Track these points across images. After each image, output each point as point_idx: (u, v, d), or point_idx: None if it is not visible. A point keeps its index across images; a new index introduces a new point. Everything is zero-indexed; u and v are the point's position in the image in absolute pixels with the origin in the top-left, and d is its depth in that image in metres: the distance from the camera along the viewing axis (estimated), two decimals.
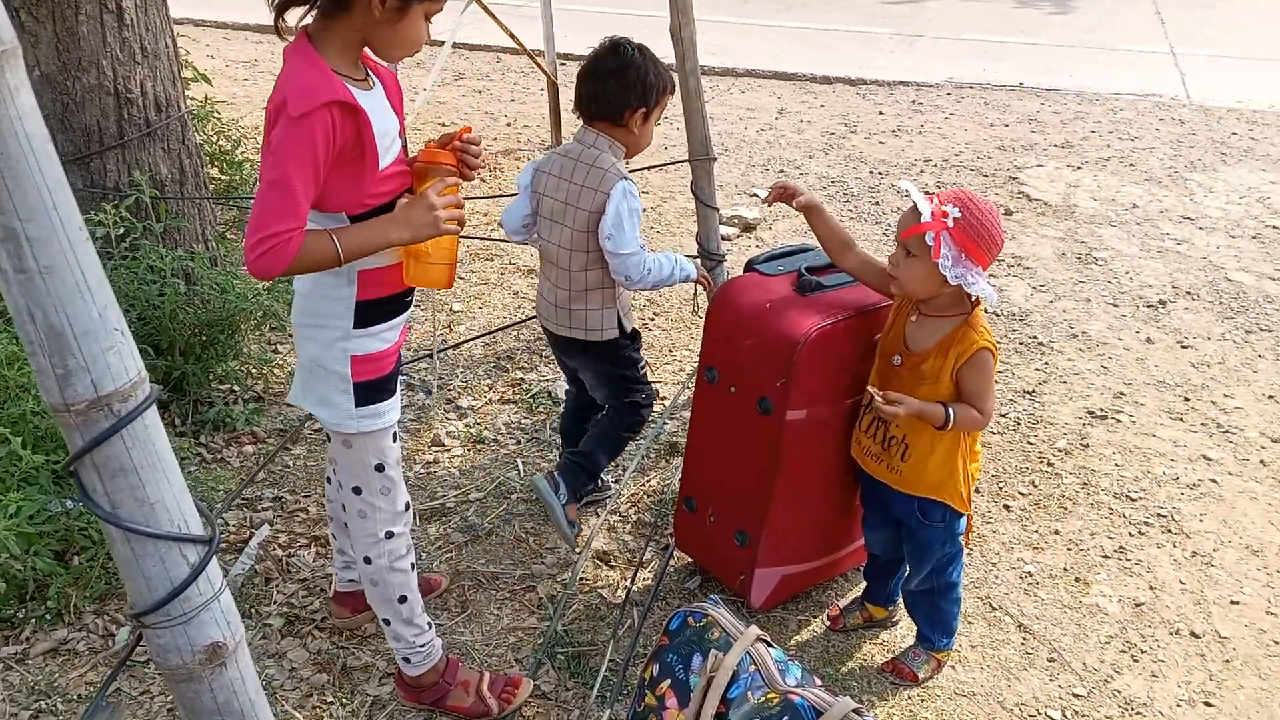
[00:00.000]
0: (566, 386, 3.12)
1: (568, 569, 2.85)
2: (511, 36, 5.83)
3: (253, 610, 2.69)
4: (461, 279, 4.59)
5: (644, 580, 2.82)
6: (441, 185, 1.98)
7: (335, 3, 1.83)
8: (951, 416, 2.17)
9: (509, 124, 6.72)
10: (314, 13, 1.87)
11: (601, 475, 3.03)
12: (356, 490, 2.17)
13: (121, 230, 3.28)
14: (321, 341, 2.04)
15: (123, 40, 3.40)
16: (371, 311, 2.03)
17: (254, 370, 3.66)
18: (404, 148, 2.05)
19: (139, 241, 3.36)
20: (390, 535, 2.21)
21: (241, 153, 4.95)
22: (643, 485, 3.21)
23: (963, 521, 2.38)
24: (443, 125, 6.70)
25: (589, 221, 2.54)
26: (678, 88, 2.77)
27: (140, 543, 1.05)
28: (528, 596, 2.78)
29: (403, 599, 2.26)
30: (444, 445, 3.40)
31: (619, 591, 2.78)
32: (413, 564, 2.29)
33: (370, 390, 2.07)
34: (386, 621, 2.29)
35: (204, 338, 3.42)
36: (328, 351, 2.04)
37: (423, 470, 3.27)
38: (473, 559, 2.90)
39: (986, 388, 2.20)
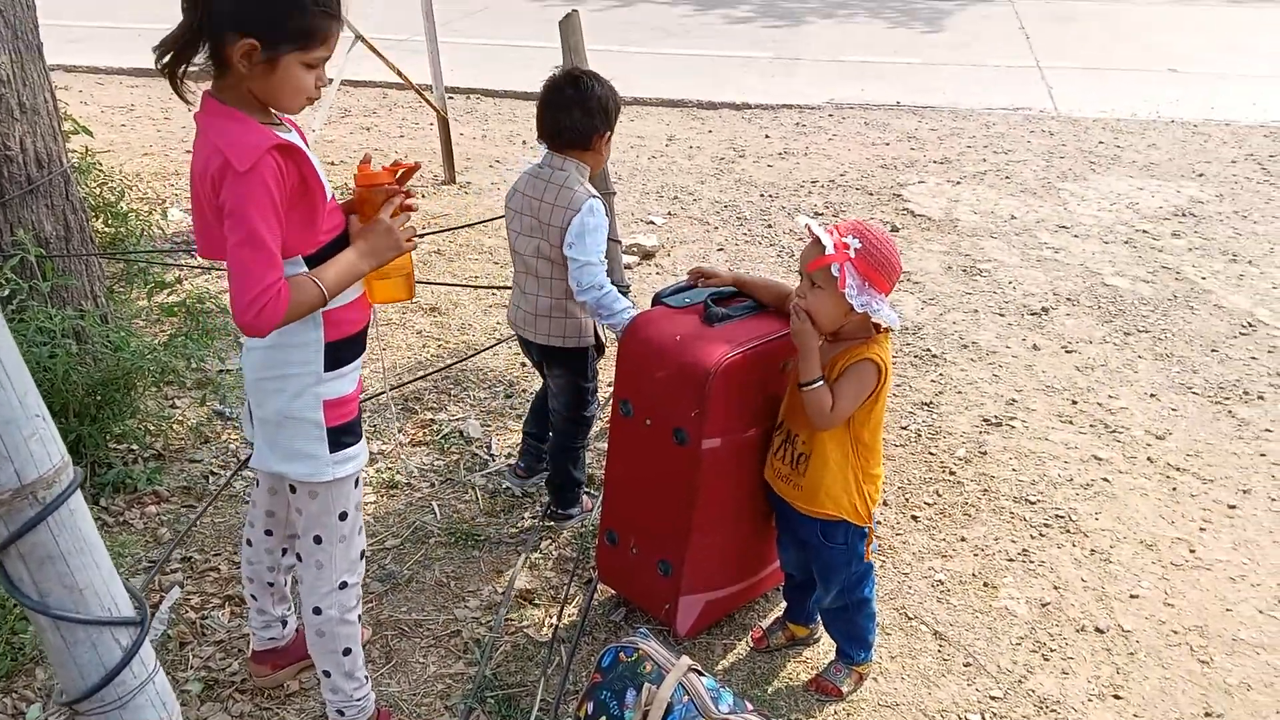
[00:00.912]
0: (531, 398, 3.47)
1: (492, 611, 2.84)
2: (398, 73, 5.81)
3: (170, 676, 2.60)
4: None
5: (569, 616, 2.83)
6: (391, 205, 2.00)
7: (215, 64, 1.82)
8: (815, 385, 2.23)
9: (399, 158, 6.66)
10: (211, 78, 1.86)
11: (584, 493, 3.26)
12: (317, 540, 2.14)
13: (7, 292, 3.16)
14: (290, 391, 2.01)
15: None
16: (339, 352, 2.03)
17: (152, 427, 3.56)
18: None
19: (26, 303, 3.24)
20: (344, 585, 2.19)
21: (126, 203, 4.81)
22: (562, 523, 3.22)
23: (863, 542, 2.45)
24: (331, 164, 6.62)
25: (561, 236, 2.75)
26: None
27: (70, 630, 1.03)
28: (453, 642, 2.75)
29: (347, 651, 2.24)
30: None
31: (545, 630, 2.78)
32: (359, 615, 2.27)
33: (343, 434, 2.06)
34: (327, 673, 2.26)
35: (99, 397, 3.31)
36: (297, 400, 2.01)
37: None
38: (394, 607, 2.86)
39: (850, 391, 2.25)
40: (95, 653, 1.05)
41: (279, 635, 2.56)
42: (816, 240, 2.21)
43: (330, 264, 1.94)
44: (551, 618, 2.82)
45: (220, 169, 1.77)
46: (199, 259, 5.13)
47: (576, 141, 2.77)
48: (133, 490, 3.30)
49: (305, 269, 1.92)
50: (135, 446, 3.47)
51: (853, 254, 2.14)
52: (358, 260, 1.97)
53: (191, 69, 1.86)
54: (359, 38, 5.37)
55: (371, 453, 3.54)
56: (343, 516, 2.14)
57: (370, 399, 3.81)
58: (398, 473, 3.45)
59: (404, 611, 2.84)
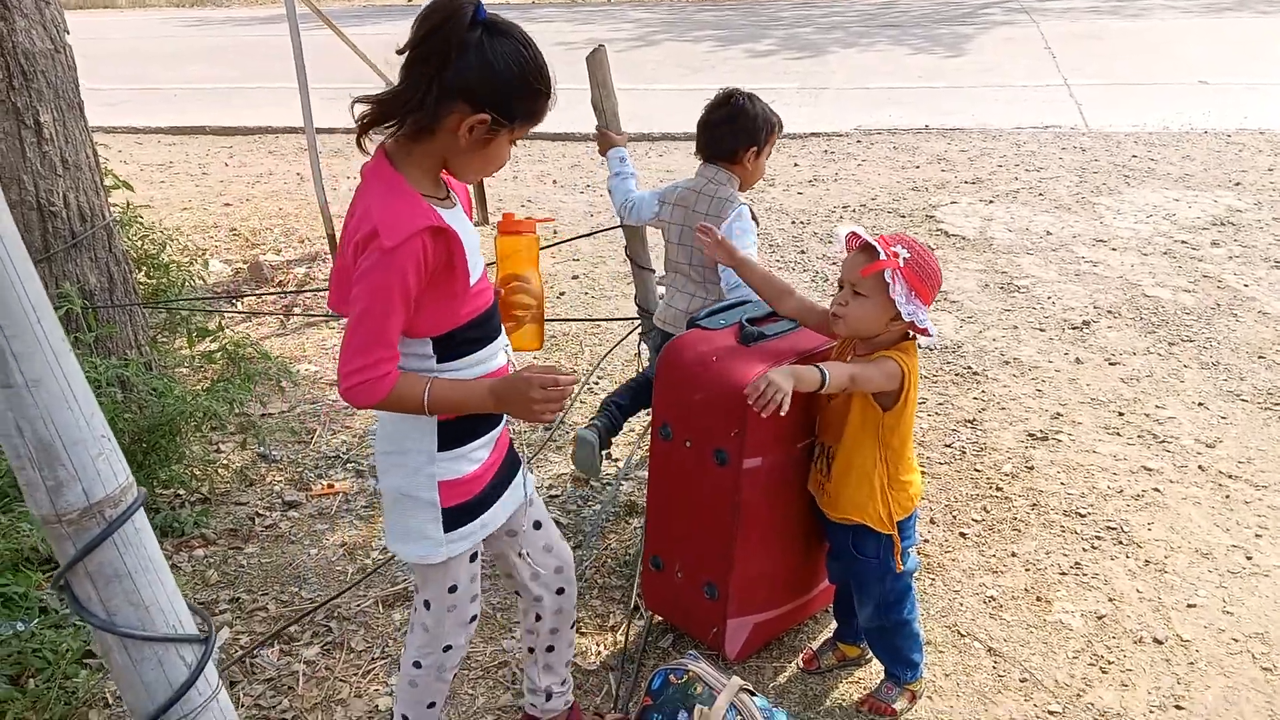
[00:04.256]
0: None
1: None
2: None
3: None
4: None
5: (617, 644, 2.82)
6: (549, 378, 1.86)
7: (421, 129, 1.79)
8: (826, 376, 2.15)
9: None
10: (397, 132, 1.83)
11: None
12: (427, 605, 2.10)
13: None
14: (408, 469, 1.96)
15: (43, 154, 3.38)
16: (457, 431, 1.95)
17: (198, 472, 3.61)
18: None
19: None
20: (448, 648, 2.15)
21: (167, 255, 4.92)
22: (605, 548, 3.22)
23: (892, 554, 2.42)
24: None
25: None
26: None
27: (138, 648, 1.05)
28: (501, 673, 2.75)
29: (431, 704, 2.22)
30: None
31: (593, 658, 2.77)
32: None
33: (459, 514, 1.99)
34: (405, 717, 2.24)
35: (145, 444, 3.37)
36: (413, 479, 1.96)
37: (380, 556, 3.24)
38: None
39: (876, 372, 2.22)
40: (161, 670, 1.06)
41: (537, 707, 2.47)
42: (864, 248, 2.21)
43: (457, 385, 1.88)
44: (599, 646, 2.81)
45: (367, 236, 1.74)
46: (238, 306, 5.23)
47: (721, 153, 2.98)
48: (180, 534, 3.34)
49: (431, 350, 1.88)
50: (181, 491, 3.53)
51: (901, 263, 2.15)
52: (484, 396, 1.89)
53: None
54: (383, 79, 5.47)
55: None
56: (453, 589, 2.07)
57: None
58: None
59: None
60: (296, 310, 5.25)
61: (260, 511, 3.51)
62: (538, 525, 2.26)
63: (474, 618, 2.18)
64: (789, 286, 2.51)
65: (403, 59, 1.78)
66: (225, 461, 3.76)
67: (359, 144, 1.87)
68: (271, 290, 5.50)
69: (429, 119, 1.77)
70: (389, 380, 1.78)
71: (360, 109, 1.82)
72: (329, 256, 5.32)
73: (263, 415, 4.11)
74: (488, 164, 1.88)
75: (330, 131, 8.43)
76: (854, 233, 2.25)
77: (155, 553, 1.05)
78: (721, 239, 2.63)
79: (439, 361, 1.89)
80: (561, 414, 1.97)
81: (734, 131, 2.95)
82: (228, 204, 7.05)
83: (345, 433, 4.00)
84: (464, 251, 1.84)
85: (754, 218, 3.00)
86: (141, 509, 1.03)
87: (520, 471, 2.17)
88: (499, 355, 2.02)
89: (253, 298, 5.41)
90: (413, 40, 1.76)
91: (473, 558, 2.09)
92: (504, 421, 2.08)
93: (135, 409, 3.32)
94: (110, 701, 2.67)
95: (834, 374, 2.16)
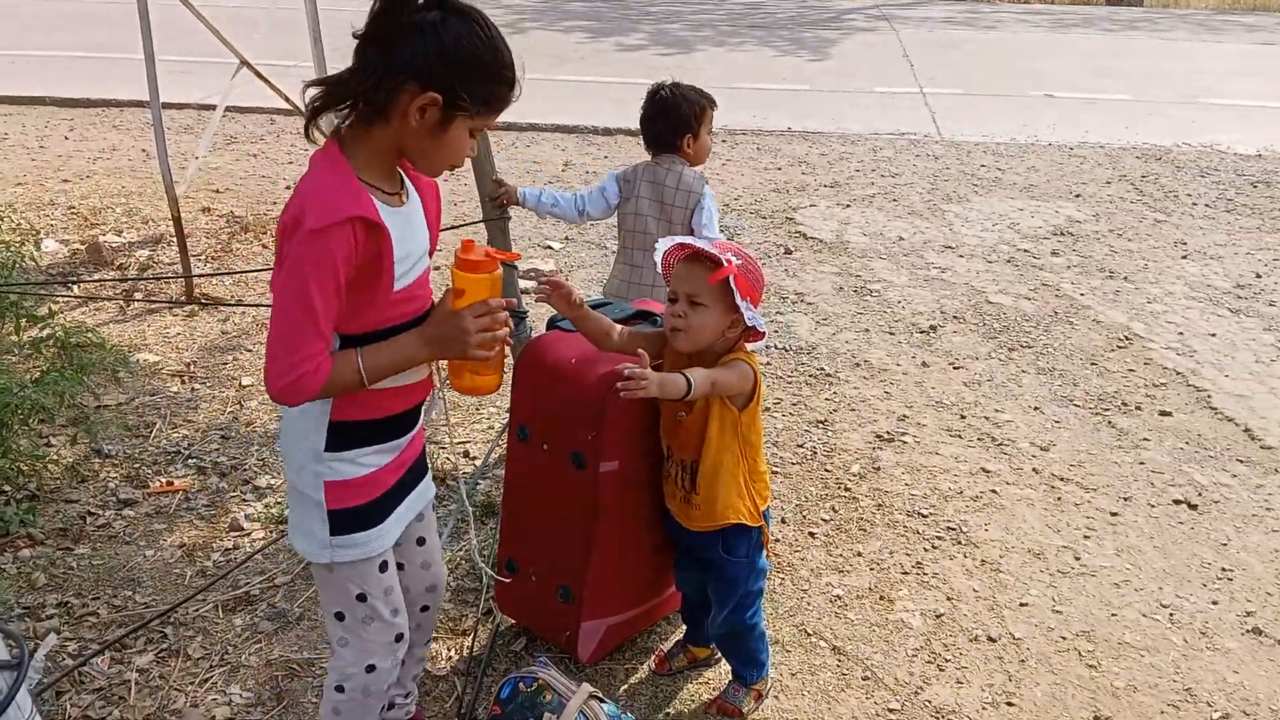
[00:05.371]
0: None
1: None
2: (285, 99, 5.69)
3: None
4: (249, 350, 4.43)
5: (468, 649, 2.78)
6: (483, 306, 1.81)
7: (374, 110, 1.71)
8: (691, 383, 2.14)
9: (288, 187, 6.54)
10: (350, 118, 1.74)
11: None
12: (339, 616, 1.99)
13: None
14: (296, 462, 1.88)
15: None
16: (347, 433, 1.86)
17: (24, 467, 3.39)
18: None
19: None
20: (372, 669, 2.03)
21: None
22: (459, 550, 3.17)
23: (762, 553, 2.47)
24: (216, 192, 6.46)
25: (685, 217, 3.20)
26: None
27: None
28: None
29: None
30: (243, 529, 3.25)
31: (443, 663, 2.73)
32: (386, 704, 2.17)
33: (347, 519, 1.89)
34: None
35: None
36: (300, 475, 1.88)
37: (221, 558, 3.11)
38: (285, 646, 2.77)
39: (733, 375, 2.24)
40: None
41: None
42: (694, 258, 2.23)
43: (385, 345, 1.79)
44: (450, 651, 2.77)
45: (294, 218, 1.65)
46: (74, 290, 4.94)
47: (667, 146, 3.22)
48: (4, 533, 3.14)
49: (339, 348, 1.77)
50: (7, 487, 3.31)
51: (737, 270, 2.18)
52: (415, 345, 1.80)
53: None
54: (244, 63, 5.25)
55: (259, 488, 3.44)
56: (361, 598, 1.97)
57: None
58: (286, 508, 3.34)
59: (295, 650, 2.75)
60: (138, 296, 4.99)
61: (93, 510, 3.32)
62: (421, 541, 2.19)
63: (400, 636, 2.06)
64: (610, 324, 2.40)
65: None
66: (55, 456, 3.54)
67: (306, 133, 1.79)
68: (111, 274, 5.22)
69: (380, 101, 1.70)
70: (322, 372, 1.68)
71: (311, 93, 1.74)
72: (173, 239, 5.07)
73: (97, 407, 3.90)
74: (446, 154, 1.79)
75: (180, 107, 8.07)
76: (681, 244, 2.25)
77: None
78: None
79: None
80: (507, 345, 1.88)
81: (668, 125, 3.17)
82: (66, 180, 6.66)
83: (187, 427, 3.83)
84: (393, 254, 1.75)
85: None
86: None
87: (424, 480, 2.10)
88: (420, 369, 1.92)
89: (90, 282, 5.12)
90: (367, 21, 1.69)
91: (382, 567, 1.99)
92: (411, 432, 1.98)
93: None
94: None
95: (698, 381, 2.16)
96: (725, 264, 2.17)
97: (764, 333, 2.28)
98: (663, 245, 2.28)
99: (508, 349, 1.95)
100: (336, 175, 1.71)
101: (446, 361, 1.93)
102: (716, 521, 2.41)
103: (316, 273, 1.65)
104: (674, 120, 3.17)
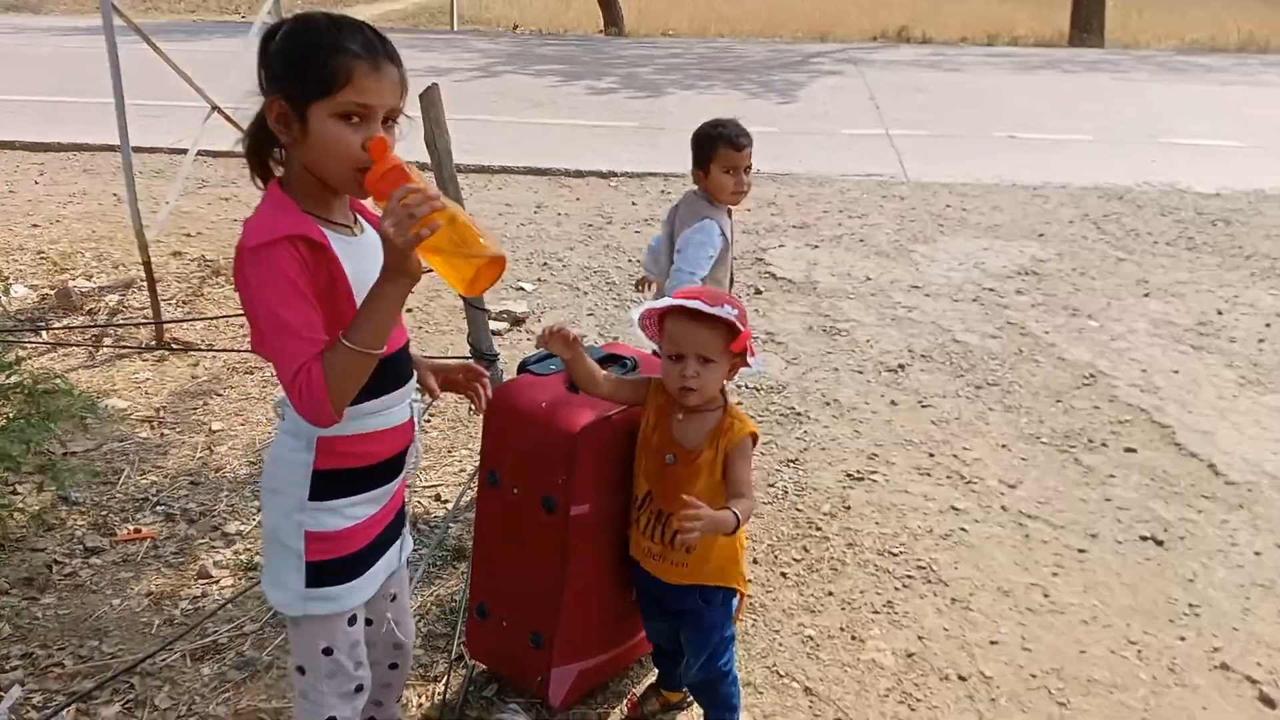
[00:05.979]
0: None
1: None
2: None
3: None
4: (219, 394, 4.40)
5: (439, 695, 2.76)
6: (400, 191, 1.57)
7: (278, 146, 1.73)
8: (739, 519, 2.14)
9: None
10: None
11: None
12: (300, 670, 1.97)
13: None
14: (278, 510, 1.85)
15: None
16: (332, 483, 1.83)
17: None
18: None
19: None
20: None
21: None
22: (430, 595, 3.15)
23: (736, 599, 2.48)
24: (188, 235, 6.44)
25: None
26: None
27: None
28: None
29: None
30: (211, 576, 3.21)
31: (414, 710, 2.71)
32: None
33: (325, 571, 1.87)
34: None
35: None
36: (284, 522, 1.85)
37: (189, 606, 3.08)
38: (253, 695, 2.74)
39: (747, 472, 2.29)
40: None
41: None
42: (696, 319, 2.20)
43: (363, 309, 1.65)
44: (420, 698, 2.75)
45: (237, 249, 1.64)
46: (43, 335, 4.91)
47: (694, 176, 3.37)
48: None
49: None
50: None
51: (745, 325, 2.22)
52: (383, 284, 1.62)
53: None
54: (215, 108, 5.27)
55: (228, 534, 3.42)
56: (326, 651, 1.95)
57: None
58: (256, 554, 3.33)
59: (263, 700, 2.72)
60: (107, 341, 4.96)
61: (59, 559, 3.28)
62: (394, 597, 2.18)
63: (360, 688, 2.04)
64: (599, 371, 2.40)
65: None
66: (21, 504, 3.50)
67: (253, 179, 1.81)
68: (80, 319, 5.19)
69: (267, 132, 1.72)
70: (315, 373, 1.60)
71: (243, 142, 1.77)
72: (144, 284, 5.06)
73: (64, 454, 3.86)
74: (326, 154, 1.68)
75: (151, 151, 8.06)
76: (682, 306, 2.21)
77: None
78: None
79: None
80: (436, 212, 1.58)
81: (692, 157, 3.35)
82: (35, 225, 6.63)
83: (155, 473, 3.80)
84: (347, 279, 1.71)
85: (723, 234, 3.26)
86: None
87: (402, 535, 2.09)
88: (400, 410, 1.91)
89: (59, 328, 5.09)
90: None
91: (351, 620, 1.97)
92: (395, 480, 1.97)
93: None
94: None
95: (742, 512, 2.15)
96: (731, 321, 2.18)
97: (760, 374, 2.33)
98: (637, 312, 2.31)
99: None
100: (278, 207, 1.72)
101: (444, 273, 1.68)
102: (706, 581, 2.40)
103: (271, 286, 1.62)
104: (692, 153, 3.35)
